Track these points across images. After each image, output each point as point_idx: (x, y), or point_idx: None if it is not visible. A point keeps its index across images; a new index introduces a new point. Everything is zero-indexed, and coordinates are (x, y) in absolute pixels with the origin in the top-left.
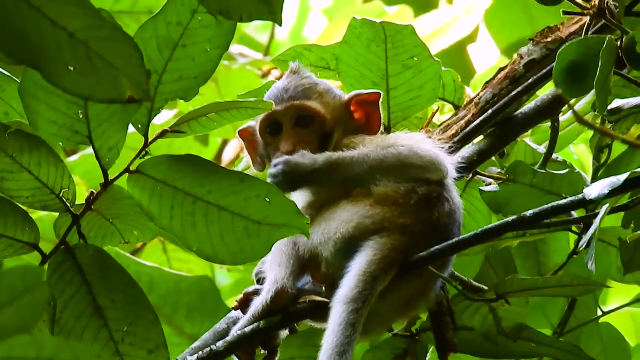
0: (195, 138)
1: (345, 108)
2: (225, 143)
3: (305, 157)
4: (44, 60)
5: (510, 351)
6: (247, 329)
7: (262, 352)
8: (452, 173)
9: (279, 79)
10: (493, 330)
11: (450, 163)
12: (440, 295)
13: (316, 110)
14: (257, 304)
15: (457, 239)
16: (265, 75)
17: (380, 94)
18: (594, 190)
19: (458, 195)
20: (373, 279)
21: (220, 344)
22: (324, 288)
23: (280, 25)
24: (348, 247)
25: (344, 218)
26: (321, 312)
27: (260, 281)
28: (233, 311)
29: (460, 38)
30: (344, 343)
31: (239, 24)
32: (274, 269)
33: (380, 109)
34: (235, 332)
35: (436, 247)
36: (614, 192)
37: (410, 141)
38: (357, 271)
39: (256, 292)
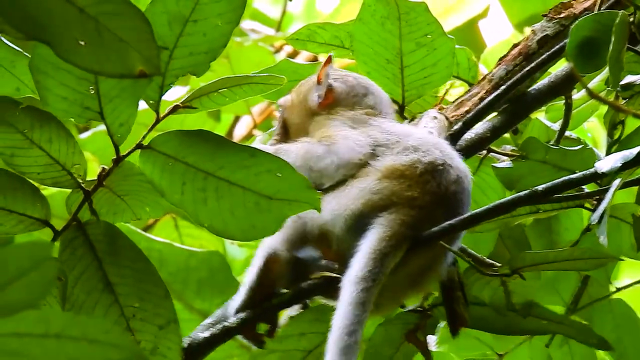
0: (208, 114)
1: (309, 89)
2: (237, 119)
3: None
4: (54, 35)
5: (521, 327)
6: (259, 306)
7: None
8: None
9: (290, 55)
10: (503, 304)
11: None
12: (452, 270)
13: (281, 102)
14: (251, 274)
15: (468, 213)
16: (277, 51)
17: (329, 57)
18: (606, 164)
19: (462, 162)
20: (383, 256)
21: (232, 319)
22: (336, 265)
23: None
24: (358, 224)
25: (352, 195)
26: (332, 288)
27: None
28: None
29: (473, 15)
30: (353, 322)
31: None
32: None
33: (325, 73)
34: (234, 305)
35: (448, 222)
36: (627, 165)
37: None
38: (367, 249)
39: None
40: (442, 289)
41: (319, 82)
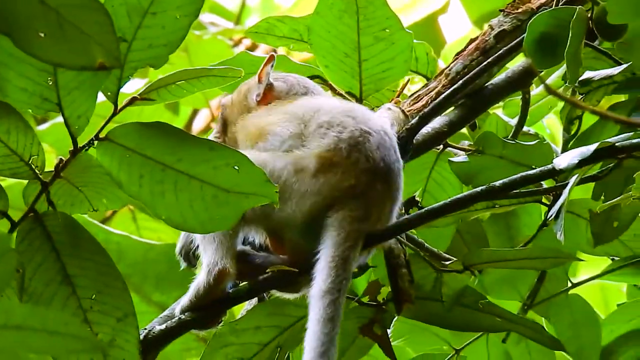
0: (166, 107)
1: (250, 88)
2: (195, 112)
3: None
4: (14, 27)
5: (476, 324)
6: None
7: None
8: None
9: (249, 49)
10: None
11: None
12: (398, 249)
13: (224, 101)
14: (198, 284)
15: (425, 208)
16: (236, 44)
17: (271, 55)
18: (563, 160)
19: (372, 117)
20: (343, 261)
21: (187, 314)
22: (287, 257)
23: None
24: (309, 228)
25: (296, 199)
26: (287, 281)
27: (188, 256)
28: None
29: (432, 11)
30: (324, 341)
31: None
32: (209, 247)
33: (265, 72)
34: (178, 311)
35: (404, 218)
36: (584, 162)
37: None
38: (326, 258)
39: None
40: (387, 266)
41: (259, 81)
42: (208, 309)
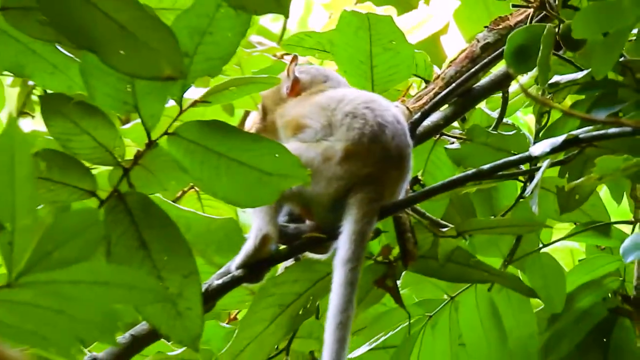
0: (224, 109)
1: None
2: (246, 113)
3: None
4: (100, 46)
5: (467, 277)
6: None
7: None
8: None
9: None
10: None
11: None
12: (404, 217)
13: (262, 93)
14: (247, 247)
15: (428, 187)
16: (278, 59)
17: (294, 55)
18: (538, 149)
19: (386, 106)
20: (361, 235)
21: (239, 271)
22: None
23: (287, 17)
24: (333, 207)
25: (324, 182)
26: (318, 244)
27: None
28: None
29: (434, 31)
30: (345, 301)
31: (256, 17)
32: (256, 218)
33: (292, 73)
34: (233, 266)
35: (410, 195)
36: (554, 150)
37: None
38: (347, 232)
39: None
40: (396, 231)
41: (288, 75)
42: (255, 266)
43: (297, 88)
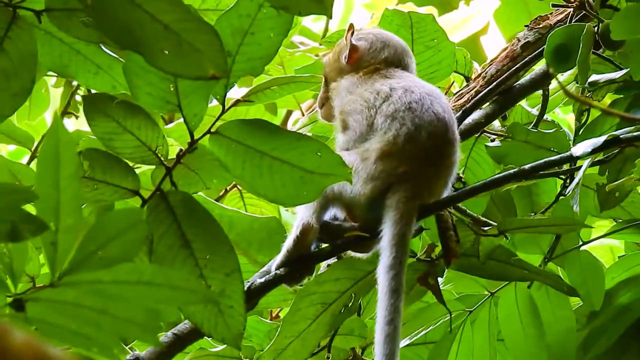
0: (266, 109)
1: (341, 50)
2: (289, 113)
3: None
4: (144, 46)
5: (507, 274)
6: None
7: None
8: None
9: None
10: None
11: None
12: (447, 215)
13: (324, 60)
14: (288, 241)
15: (469, 187)
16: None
17: (351, 24)
18: (579, 149)
19: (434, 104)
20: (401, 237)
21: (282, 270)
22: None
23: (330, 18)
24: (372, 205)
25: (362, 181)
26: (360, 243)
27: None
28: None
29: (474, 31)
30: (390, 312)
31: (299, 18)
32: (299, 213)
33: (350, 41)
34: (274, 267)
35: (450, 195)
36: (595, 150)
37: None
38: (388, 237)
39: None
40: (438, 229)
41: (346, 44)
42: (297, 265)
43: (355, 56)
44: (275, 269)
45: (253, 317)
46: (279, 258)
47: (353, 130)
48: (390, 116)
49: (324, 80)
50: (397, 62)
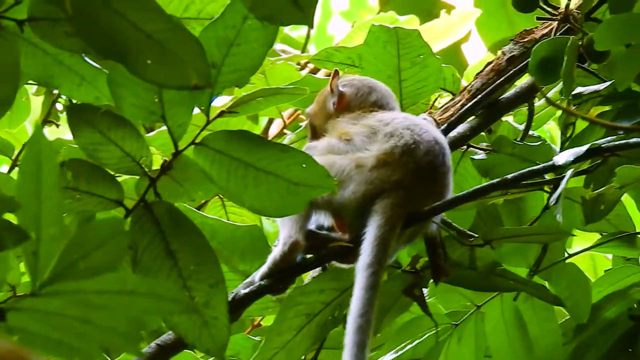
0: (247, 117)
1: (326, 98)
2: (270, 121)
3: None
4: (127, 56)
5: (493, 285)
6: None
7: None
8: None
9: (312, 72)
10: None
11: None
12: (435, 232)
13: (308, 110)
14: (275, 254)
15: (452, 196)
16: (302, 67)
17: (335, 71)
18: (561, 158)
19: (431, 132)
20: (383, 241)
21: (265, 280)
22: (347, 236)
23: (312, 28)
24: (361, 209)
25: (354, 185)
26: (345, 254)
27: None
28: None
29: (456, 40)
30: (365, 305)
31: (282, 27)
32: (285, 226)
33: (335, 83)
34: (258, 277)
35: (435, 204)
36: (577, 160)
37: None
38: (370, 238)
39: None
40: (427, 247)
41: (332, 91)
42: (281, 276)
43: (343, 102)
44: (259, 280)
45: (241, 335)
46: (263, 269)
47: (353, 141)
48: (390, 133)
49: (310, 130)
50: (385, 104)
